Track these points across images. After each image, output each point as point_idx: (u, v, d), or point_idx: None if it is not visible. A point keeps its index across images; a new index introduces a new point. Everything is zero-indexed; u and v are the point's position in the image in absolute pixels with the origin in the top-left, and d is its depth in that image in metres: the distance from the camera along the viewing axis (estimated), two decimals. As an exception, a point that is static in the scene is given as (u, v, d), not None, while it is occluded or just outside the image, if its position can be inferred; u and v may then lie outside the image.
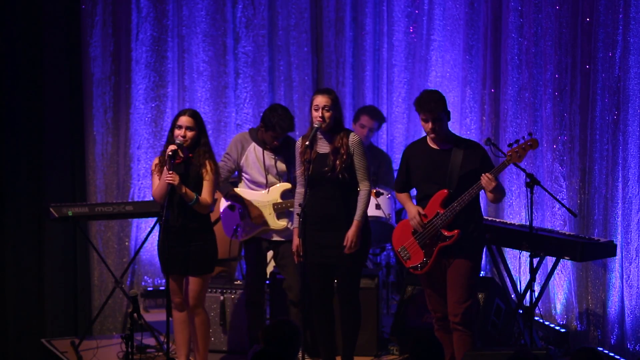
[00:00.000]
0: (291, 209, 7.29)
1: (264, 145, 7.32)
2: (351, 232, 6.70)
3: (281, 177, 7.35)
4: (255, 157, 7.32)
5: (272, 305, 7.73)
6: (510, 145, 6.45)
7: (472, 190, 6.40)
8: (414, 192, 6.87)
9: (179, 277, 6.93)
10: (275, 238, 7.36)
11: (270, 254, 7.59)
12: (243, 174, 7.41)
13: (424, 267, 6.56)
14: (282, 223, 7.31)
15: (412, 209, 6.57)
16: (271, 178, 7.33)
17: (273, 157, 7.32)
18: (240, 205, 7.38)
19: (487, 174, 6.35)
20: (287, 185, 7.33)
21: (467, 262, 6.48)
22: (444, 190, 6.45)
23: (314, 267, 6.82)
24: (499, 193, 6.49)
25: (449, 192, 6.44)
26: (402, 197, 6.74)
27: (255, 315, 7.46)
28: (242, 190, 7.42)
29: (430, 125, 6.44)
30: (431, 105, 6.39)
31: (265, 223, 7.34)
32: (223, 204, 7.55)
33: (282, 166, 7.32)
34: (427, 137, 6.57)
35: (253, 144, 7.34)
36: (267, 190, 7.34)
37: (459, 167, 6.45)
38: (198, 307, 6.94)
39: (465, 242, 6.47)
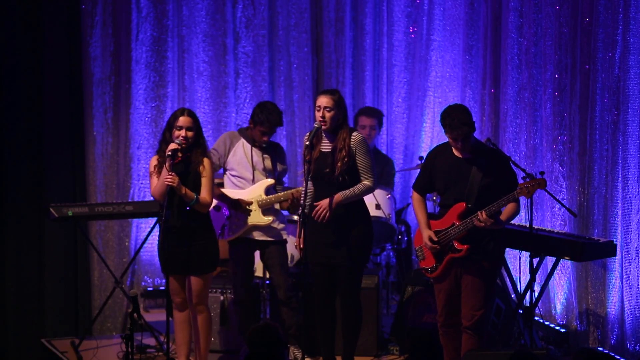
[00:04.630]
0: (276, 205, 7.37)
1: (252, 142, 7.38)
2: (325, 201, 6.66)
3: (268, 173, 7.38)
4: (243, 152, 7.37)
5: (272, 305, 7.74)
6: (524, 178, 6.42)
7: (469, 222, 6.38)
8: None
9: (180, 277, 6.93)
10: (262, 238, 7.37)
11: (257, 254, 7.59)
12: (229, 170, 7.43)
13: (434, 272, 6.59)
14: (268, 219, 7.33)
15: (425, 234, 6.54)
16: (258, 174, 7.38)
17: (261, 154, 7.37)
18: (225, 204, 7.39)
19: (481, 213, 6.30)
20: (271, 181, 7.36)
21: (481, 272, 6.46)
22: (462, 204, 6.43)
23: (317, 266, 6.82)
24: (500, 226, 6.42)
25: (467, 206, 6.42)
26: (416, 201, 6.66)
27: (244, 315, 7.47)
28: (226, 190, 7.44)
29: (459, 145, 6.41)
30: (462, 130, 6.32)
31: (251, 220, 7.35)
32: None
33: (269, 163, 7.37)
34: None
35: (242, 140, 7.41)
36: (251, 187, 7.35)
37: (479, 179, 6.41)
38: (201, 304, 6.94)
39: (480, 254, 6.45)
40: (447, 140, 6.51)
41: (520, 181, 6.46)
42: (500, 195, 6.33)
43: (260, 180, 7.38)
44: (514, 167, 6.71)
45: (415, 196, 6.68)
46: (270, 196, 7.33)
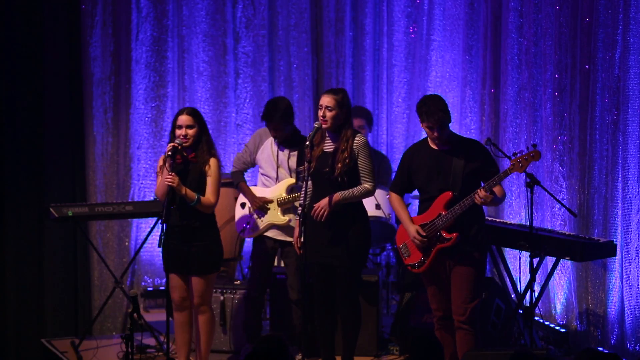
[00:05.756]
0: (296, 204, 7.33)
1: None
2: (324, 201, 6.66)
3: (293, 172, 7.37)
4: (270, 150, 7.39)
5: (273, 304, 7.75)
6: (514, 154, 6.43)
7: (467, 201, 6.39)
8: (412, 192, 6.87)
9: (180, 275, 6.91)
10: (281, 237, 7.38)
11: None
12: (259, 168, 7.48)
13: (422, 266, 6.57)
14: (285, 218, 7.33)
15: (411, 229, 6.55)
16: (282, 172, 7.38)
17: (287, 152, 7.36)
18: (248, 200, 7.41)
19: (480, 190, 6.33)
20: (292, 181, 7.36)
21: (471, 262, 6.47)
22: (448, 193, 6.45)
23: (316, 266, 6.82)
24: (495, 203, 6.54)
25: (453, 194, 6.44)
26: (396, 201, 6.69)
27: (252, 312, 7.47)
28: (254, 188, 7.47)
29: (436, 133, 6.43)
30: (438, 116, 6.37)
31: (270, 218, 7.36)
32: (238, 201, 7.58)
33: (294, 162, 7.36)
34: (428, 138, 6.56)
35: (271, 138, 7.40)
36: (274, 185, 7.36)
37: (462, 167, 6.44)
38: (203, 305, 6.91)
39: (469, 244, 6.47)
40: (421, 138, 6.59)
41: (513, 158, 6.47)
42: (483, 182, 6.38)
43: (284, 179, 7.38)
44: (494, 153, 6.79)
45: (394, 196, 6.71)
46: (289, 195, 7.33)
